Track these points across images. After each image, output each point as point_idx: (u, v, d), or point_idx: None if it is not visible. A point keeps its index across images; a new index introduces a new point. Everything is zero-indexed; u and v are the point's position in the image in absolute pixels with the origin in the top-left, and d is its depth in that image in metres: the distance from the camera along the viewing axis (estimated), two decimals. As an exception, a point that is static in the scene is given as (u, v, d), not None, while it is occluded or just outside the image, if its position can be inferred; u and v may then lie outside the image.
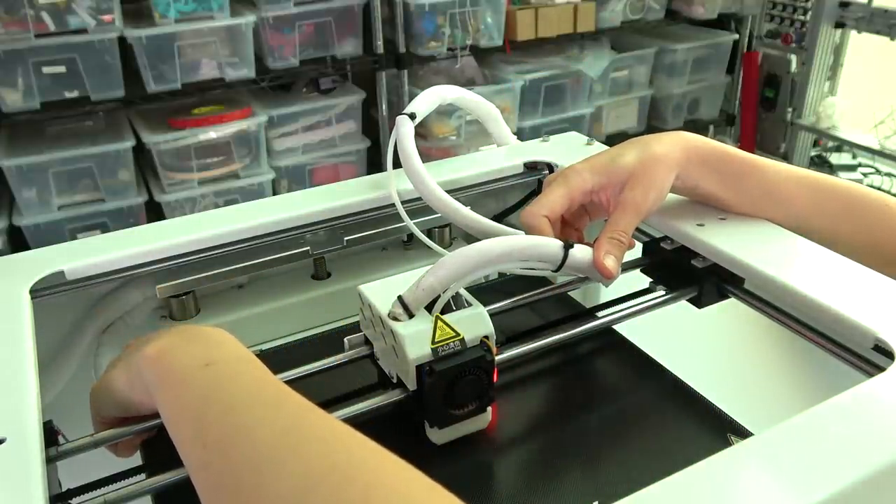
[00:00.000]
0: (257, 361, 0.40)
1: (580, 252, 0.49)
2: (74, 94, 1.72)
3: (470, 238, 0.56)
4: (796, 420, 0.37)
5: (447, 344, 0.45)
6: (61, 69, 1.68)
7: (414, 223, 0.64)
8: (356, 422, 0.45)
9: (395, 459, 0.32)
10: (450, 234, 0.76)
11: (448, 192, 0.61)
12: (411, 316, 0.46)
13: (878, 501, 0.36)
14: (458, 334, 0.46)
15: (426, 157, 0.64)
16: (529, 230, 0.52)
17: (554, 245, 0.48)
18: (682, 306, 0.57)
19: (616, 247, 0.51)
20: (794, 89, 2.74)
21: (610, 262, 0.50)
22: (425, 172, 0.61)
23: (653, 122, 2.66)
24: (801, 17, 2.66)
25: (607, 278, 0.51)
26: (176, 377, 0.40)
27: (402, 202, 0.64)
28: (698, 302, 0.57)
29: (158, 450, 0.47)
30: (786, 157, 2.78)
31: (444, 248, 0.73)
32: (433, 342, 0.45)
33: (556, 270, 0.49)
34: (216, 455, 0.35)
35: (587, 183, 0.54)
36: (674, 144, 0.55)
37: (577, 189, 0.54)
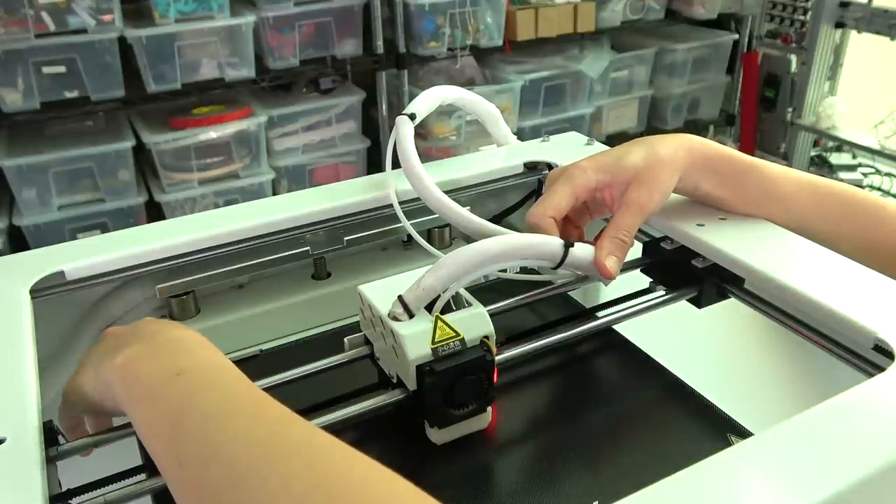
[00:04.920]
0: (231, 367, 0.39)
1: (581, 251, 0.49)
2: (74, 94, 1.72)
3: (470, 239, 0.56)
4: (796, 420, 0.37)
5: (447, 344, 0.45)
6: (61, 69, 1.68)
7: (413, 224, 0.64)
8: (356, 422, 0.45)
9: (380, 469, 0.31)
10: (449, 235, 0.76)
11: (448, 192, 0.61)
12: (411, 316, 0.46)
13: (878, 501, 0.36)
14: (458, 334, 0.46)
15: (426, 157, 0.64)
16: (535, 231, 0.52)
17: (555, 244, 0.48)
18: (682, 306, 0.57)
19: (618, 247, 0.51)
20: (794, 89, 2.74)
21: (611, 263, 0.51)
22: (424, 173, 0.61)
23: (653, 122, 2.66)
24: (801, 17, 2.65)
25: (607, 278, 0.51)
26: (145, 390, 0.38)
27: (402, 203, 0.64)
28: (698, 302, 0.57)
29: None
30: (786, 157, 2.78)
31: (444, 249, 0.74)
32: (433, 342, 0.45)
33: (556, 268, 0.49)
34: (192, 472, 0.33)
35: (591, 181, 0.54)
36: (679, 147, 0.55)
37: (582, 187, 0.54)
